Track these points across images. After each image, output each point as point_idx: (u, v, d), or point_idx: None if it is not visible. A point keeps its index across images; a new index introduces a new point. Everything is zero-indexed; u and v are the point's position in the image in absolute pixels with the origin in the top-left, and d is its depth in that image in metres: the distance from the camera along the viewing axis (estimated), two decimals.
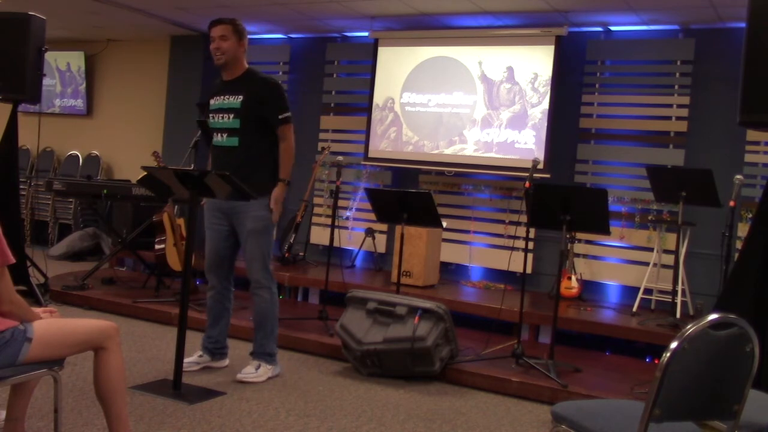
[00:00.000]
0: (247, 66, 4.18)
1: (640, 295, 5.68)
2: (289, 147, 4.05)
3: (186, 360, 4.11)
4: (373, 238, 7.00)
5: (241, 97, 4.02)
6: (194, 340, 4.82)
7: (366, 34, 7.21)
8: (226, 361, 4.31)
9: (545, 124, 6.30)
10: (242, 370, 4.07)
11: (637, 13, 5.82)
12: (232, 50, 4.09)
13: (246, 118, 4.01)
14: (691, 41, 6.01)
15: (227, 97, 4.08)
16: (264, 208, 4.00)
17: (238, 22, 4.16)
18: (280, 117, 4.02)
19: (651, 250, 5.93)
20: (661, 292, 5.75)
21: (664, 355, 1.87)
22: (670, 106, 6.10)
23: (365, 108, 7.21)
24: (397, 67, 7.01)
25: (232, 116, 4.04)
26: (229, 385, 3.94)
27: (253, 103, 4.01)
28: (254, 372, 4.04)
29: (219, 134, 4.11)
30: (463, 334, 4.94)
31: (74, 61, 9.19)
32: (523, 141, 6.41)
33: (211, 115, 4.17)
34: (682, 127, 6.04)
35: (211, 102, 4.18)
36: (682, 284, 5.39)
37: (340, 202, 6.67)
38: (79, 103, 9.23)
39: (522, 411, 3.97)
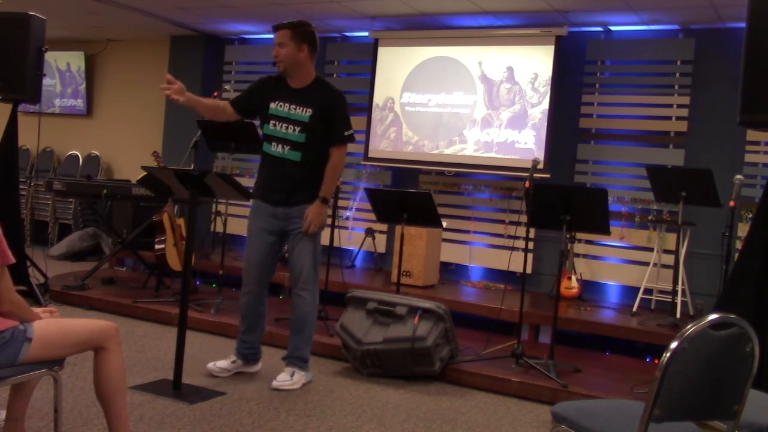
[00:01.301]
0: (315, 74, 4.00)
1: (640, 295, 5.68)
2: (338, 165, 3.94)
3: (219, 365, 4.10)
4: (373, 238, 7.00)
5: (310, 111, 3.87)
6: (194, 340, 4.83)
7: (366, 34, 7.21)
8: (259, 365, 4.24)
9: (545, 124, 6.30)
10: (276, 377, 3.99)
11: (637, 13, 5.82)
12: (290, 57, 3.87)
13: (312, 133, 3.88)
14: (691, 41, 6.01)
15: (295, 107, 3.90)
16: None
17: (300, 25, 3.94)
18: (345, 134, 3.90)
19: (651, 250, 5.93)
20: (661, 292, 5.75)
21: (664, 355, 1.87)
22: (670, 106, 6.10)
23: (365, 108, 7.21)
24: (397, 67, 7.01)
25: (298, 129, 3.89)
26: (229, 385, 3.94)
27: (320, 118, 3.87)
28: (290, 379, 3.97)
29: (279, 145, 3.93)
30: (463, 334, 4.94)
31: (74, 61, 9.19)
32: (523, 141, 6.41)
33: (272, 121, 3.95)
34: (682, 127, 6.04)
35: (272, 106, 3.95)
36: (682, 284, 5.38)
37: (340, 202, 6.67)
38: (79, 103, 9.23)
39: (522, 411, 3.97)
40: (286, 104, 3.93)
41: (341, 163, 3.99)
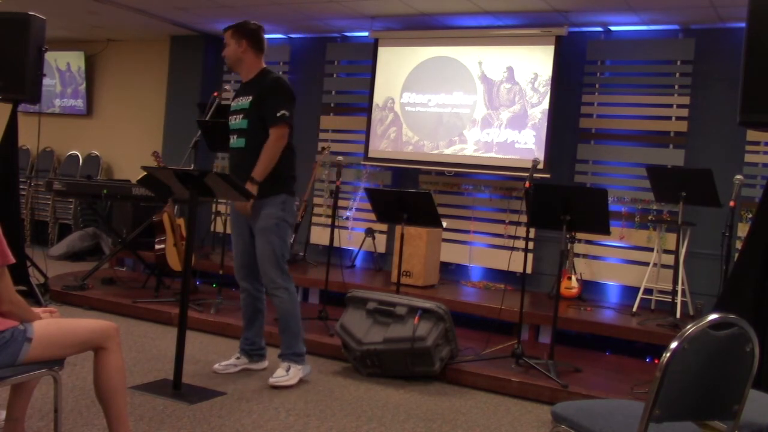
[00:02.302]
0: (262, 66, 4.13)
1: (640, 295, 5.68)
2: (273, 145, 3.88)
3: (223, 363, 4.23)
4: (373, 238, 7.00)
5: (250, 98, 4.01)
6: (194, 340, 4.83)
7: (366, 34, 7.21)
8: (265, 363, 4.28)
9: (545, 124, 6.30)
10: (273, 374, 4.03)
11: (637, 13, 5.82)
12: (231, 53, 4.09)
13: (253, 118, 3.98)
14: (691, 41, 6.01)
15: (241, 98, 4.08)
16: (273, 207, 3.96)
17: (241, 24, 4.13)
18: (277, 114, 3.89)
19: (651, 250, 5.93)
20: (661, 292, 5.75)
21: (664, 355, 1.87)
22: (670, 106, 6.10)
23: (365, 108, 7.21)
24: (397, 67, 7.01)
25: (241, 117, 4.03)
26: (229, 385, 3.94)
27: (259, 103, 3.97)
28: (286, 375, 4.01)
29: (232, 135, 4.11)
30: (463, 334, 4.94)
31: (74, 61, 9.19)
32: (523, 141, 6.41)
33: (229, 116, 4.16)
34: (682, 127, 6.04)
35: (232, 104, 4.18)
36: (682, 284, 5.38)
37: (340, 202, 6.68)
38: (79, 103, 9.23)
39: (522, 411, 3.97)
40: (238, 98, 4.12)
41: (276, 144, 3.91)
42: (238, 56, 4.08)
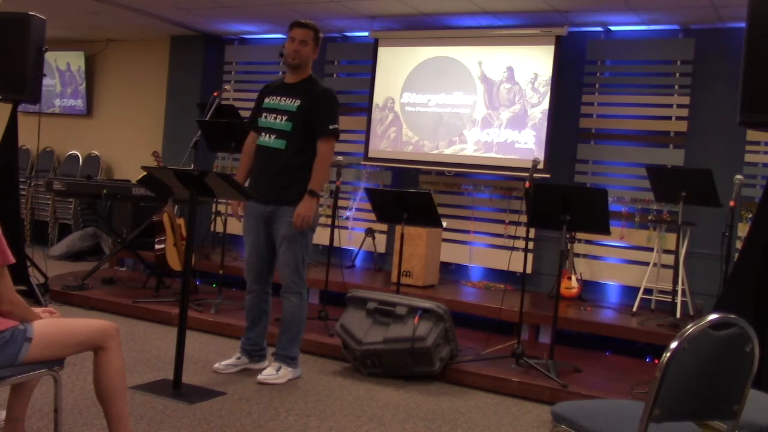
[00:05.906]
0: (310, 72, 4.15)
1: (640, 295, 5.68)
2: (326, 158, 3.99)
3: (223, 363, 4.23)
4: (373, 238, 7.00)
5: (298, 102, 3.99)
6: (194, 340, 4.83)
7: (366, 34, 7.21)
8: (266, 363, 4.27)
9: (545, 124, 6.30)
10: (263, 371, 4.08)
11: (637, 13, 5.82)
12: (307, 56, 4.07)
13: (298, 123, 3.97)
14: (691, 41, 6.01)
15: (284, 98, 4.04)
16: None
17: (318, 29, 4.14)
18: (330, 127, 3.96)
19: (651, 250, 5.93)
20: (661, 292, 5.75)
21: (664, 355, 1.87)
22: (670, 106, 6.10)
23: (365, 108, 7.21)
24: (397, 67, 7.01)
25: (285, 119, 4.00)
26: (229, 385, 3.94)
27: (308, 110, 3.97)
28: (275, 374, 4.05)
29: (267, 134, 4.06)
30: (463, 334, 4.94)
31: (74, 61, 9.19)
32: (523, 141, 6.41)
33: (263, 114, 4.12)
34: (682, 127, 6.04)
35: (266, 100, 4.14)
36: (682, 284, 5.38)
37: (340, 202, 6.67)
38: (79, 103, 9.23)
39: (522, 411, 3.97)
40: (278, 97, 4.08)
41: (329, 156, 4.03)
42: (309, 60, 4.09)
